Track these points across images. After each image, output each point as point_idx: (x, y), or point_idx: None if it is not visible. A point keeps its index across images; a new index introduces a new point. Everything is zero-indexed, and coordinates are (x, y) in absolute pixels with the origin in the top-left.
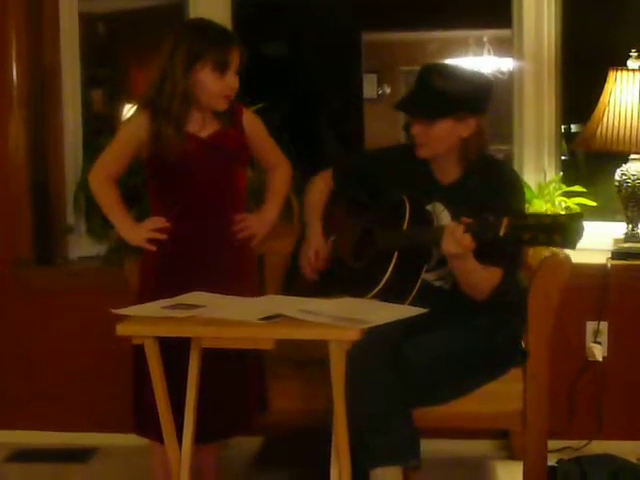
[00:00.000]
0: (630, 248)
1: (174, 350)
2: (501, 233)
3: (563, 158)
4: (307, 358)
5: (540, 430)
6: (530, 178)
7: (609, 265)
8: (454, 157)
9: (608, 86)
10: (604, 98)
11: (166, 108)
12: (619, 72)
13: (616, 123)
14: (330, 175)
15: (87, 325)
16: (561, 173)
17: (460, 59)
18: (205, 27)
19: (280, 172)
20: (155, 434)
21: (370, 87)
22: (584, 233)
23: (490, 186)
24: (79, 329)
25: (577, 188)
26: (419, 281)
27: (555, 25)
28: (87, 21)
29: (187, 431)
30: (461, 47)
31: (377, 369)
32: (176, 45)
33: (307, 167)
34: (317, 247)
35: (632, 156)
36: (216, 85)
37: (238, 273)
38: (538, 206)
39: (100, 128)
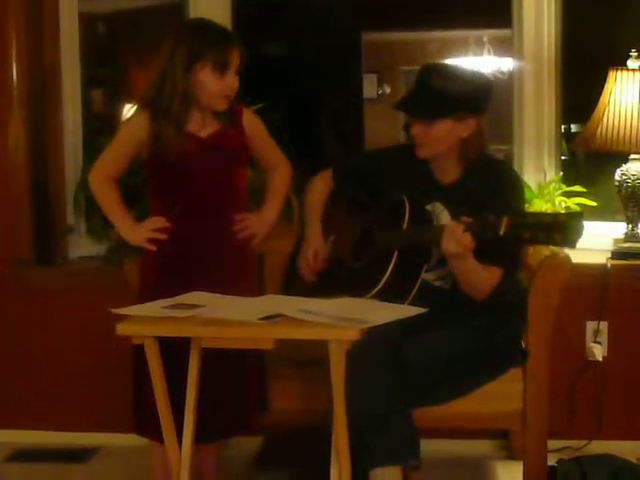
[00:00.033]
0: (630, 248)
1: (174, 350)
2: (501, 232)
3: (563, 158)
4: (307, 358)
5: (540, 430)
6: (530, 178)
7: (609, 265)
8: (454, 157)
9: (608, 86)
10: (604, 98)
11: (166, 108)
12: (619, 72)
13: (616, 123)
14: (330, 175)
15: (87, 325)
16: (561, 173)
17: (460, 59)
18: (205, 27)
19: (280, 172)
20: (155, 434)
21: (370, 87)
22: (584, 233)
23: (490, 186)
24: (79, 329)
25: (577, 188)
26: (419, 281)
27: (555, 25)
28: (87, 21)
29: (187, 431)
30: (461, 47)
31: (377, 369)
32: (176, 45)
33: (307, 167)
34: (316, 247)
35: (632, 156)
36: (216, 85)
37: (238, 273)
38: (538, 206)
39: (100, 128)
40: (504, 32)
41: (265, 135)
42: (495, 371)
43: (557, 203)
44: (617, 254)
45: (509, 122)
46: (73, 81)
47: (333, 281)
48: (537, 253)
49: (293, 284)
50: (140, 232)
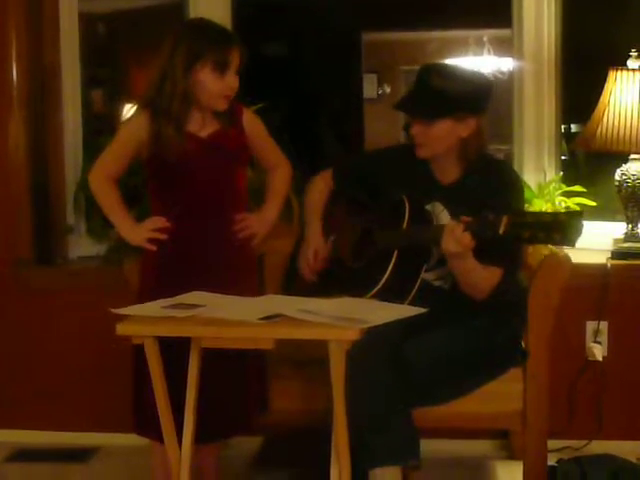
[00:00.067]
0: (630, 248)
1: (174, 350)
2: (501, 231)
3: (563, 158)
4: (307, 358)
5: (540, 430)
6: (530, 178)
7: (609, 265)
8: (454, 157)
9: (608, 86)
10: (604, 98)
11: (166, 108)
12: (619, 72)
13: (616, 123)
14: (330, 175)
15: (87, 325)
16: (561, 173)
17: (460, 59)
18: (205, 27)
19: (280, 172)
20: (155, 434)
21: (370, 87)
22: (584, 233)
23: (490, 185)
24: (79, 329)
25: (577, 188)
26: (419, 281)
27: (555, 25)
28: (87, 21)
29: (187, 431)
30: (461, 47)
31: (377, 369)
32: (176, 45)
33: (307, 167)
34: (316, 247)
35: (632, 156)
36: (216, 85)
37: (238, 273)
38: (538, 206)
39: (100, 128)
40: (504, 32)
41: (265, 135)
42: (495, 371)
43: (557, 203)
44: (617, 254)
45: (509, 122)
46: (73, 81)
47: (333, 281)
48: (537, 253)
49: (293, 284)
50: (140, 232)
